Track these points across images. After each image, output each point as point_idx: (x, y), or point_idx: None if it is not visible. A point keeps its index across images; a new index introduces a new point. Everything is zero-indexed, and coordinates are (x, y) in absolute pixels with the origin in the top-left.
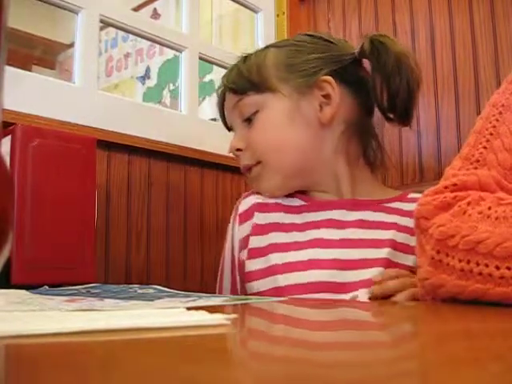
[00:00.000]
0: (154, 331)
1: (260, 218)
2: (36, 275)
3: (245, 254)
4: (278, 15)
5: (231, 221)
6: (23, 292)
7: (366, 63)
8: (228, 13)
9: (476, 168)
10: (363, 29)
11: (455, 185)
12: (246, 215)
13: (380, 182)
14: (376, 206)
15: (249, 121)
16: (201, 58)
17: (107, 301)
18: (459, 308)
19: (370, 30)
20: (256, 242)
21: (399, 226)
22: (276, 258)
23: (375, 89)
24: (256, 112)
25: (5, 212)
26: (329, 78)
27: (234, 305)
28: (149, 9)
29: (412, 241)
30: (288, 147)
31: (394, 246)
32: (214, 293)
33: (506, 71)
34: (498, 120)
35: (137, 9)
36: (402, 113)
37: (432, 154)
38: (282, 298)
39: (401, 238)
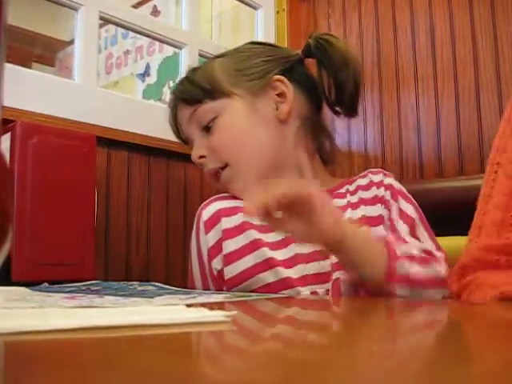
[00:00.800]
0: (153, 328)
1: (228, 222)
2: (36, 272)
3: (218, 262)
4: (278, 12)
5: (194, 231)
6: (23, 289)
7: (311, 65)
8: (228, 9)
9: (479, 235)
10: (363, 26)
11: (459, 273)
12: (212, 222)
13: (331, 175)
14: (332, 194)
15: (207, 129)
16: (201, 55)
17: (107, 298)
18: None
19: (370, 27)
20: (232, 245)
21: (352, 204)
22: (262, 254)
23: (322, 84)
24: (214, 118)
25: (4, 209)
26: (281, 76)
27: (234, 302)
28: (149, 6)
29: (368, 211)
30: (252, 146)
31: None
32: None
33: (506, 71)
34: (494, 179)
35: (136, 6)
36: (349, 105)
37: (432, 152)
38: (282, 296)
39: (356, 214)
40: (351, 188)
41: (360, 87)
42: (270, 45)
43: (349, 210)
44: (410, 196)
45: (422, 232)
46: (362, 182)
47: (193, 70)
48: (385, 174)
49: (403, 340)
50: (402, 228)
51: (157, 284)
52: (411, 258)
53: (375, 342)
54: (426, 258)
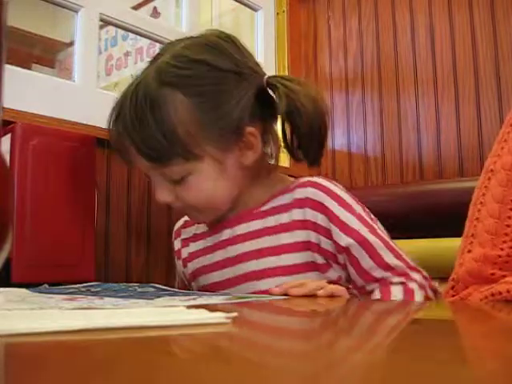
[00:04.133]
0: (153, 329)
1: (191, 247)
2: (36, 273)
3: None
4: (277, 14)
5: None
6: (23, 290)
7: None
8: (228, 11)
9: (471, 243)
10: (363, 27)
11: (453, 286)
12: (188, 241)
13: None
14: (250, 214)
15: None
16: None
17: (107, 299)
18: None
19: (369, 28)
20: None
21: (268, 229)
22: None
23: (283, 129)
24: (182, 176)
25: (4, 210)
26: (253, 130)
27: (234, 303)
28: (149, 7)
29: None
30: (219, 199)
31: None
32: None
33: (506, 72)
34: (486, 187)
35: (136, 7)
36: (311, 159)
37: (432, 153)
38: (282, 297)
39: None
40: (273, 204)
41: (324, 143)
42: (232, 71)
43: (266, 236)
44: (345, 197)
45: (382, 248)
46: (285, 198)
47: (152, 114)
48: (313, 185)
49: (402, 340)
50: (363, 259)
51: (157, 285)
52: None
53: (374, 343)
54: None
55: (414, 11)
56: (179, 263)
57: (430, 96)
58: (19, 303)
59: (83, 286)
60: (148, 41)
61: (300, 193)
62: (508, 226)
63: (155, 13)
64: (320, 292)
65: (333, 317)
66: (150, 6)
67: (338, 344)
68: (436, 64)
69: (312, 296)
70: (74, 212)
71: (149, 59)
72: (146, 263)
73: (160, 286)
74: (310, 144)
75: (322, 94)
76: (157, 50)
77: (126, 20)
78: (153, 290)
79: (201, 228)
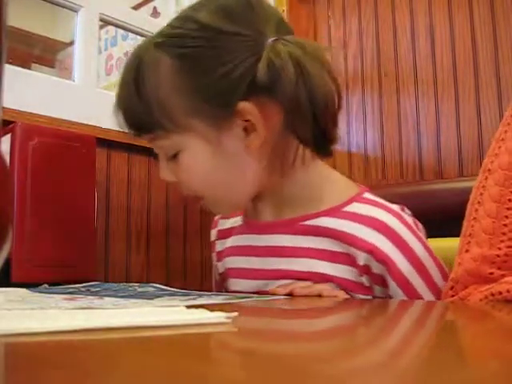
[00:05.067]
0: (153, 329)
1: (228, 242)
2: (36, 273)
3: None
4: None
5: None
6: (23, 290)
7: None
8: None
9: (469, 242)
10: (363, 27)
11: (452, 287)
12: (225, 233)
13: (326, 174)
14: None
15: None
16: None
17: (107, 299)
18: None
19: (369, 28)
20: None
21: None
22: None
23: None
24: (176, 152)
25: (4, 210)
26: (248, 106)
27: (235, 303)
28: (149, 7)
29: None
30: (223, 184)
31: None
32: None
33: (506, 72)
34: (484, 186)
35: (136, 7)
36: (318, 145)
37: (432, 153)
38: (282, 297)
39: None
40: (317, 224)
41: (326, 129)
42: (227, 32)
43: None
44: (416, 247)
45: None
46: (332, 223)
47: (135, 82)
48: (381, 228)
49: (402, 340)
50: None
51: (156, 285)
52: None
53: (375, 343)
54: None
55: (414, 11)
56: (213, 256)
57: (430, 96)
58: (19, 303)
59: (83, 286)
60: None
61: (359, 230)
62: (505, 225)
63: (155, 13)
64: (325, 292)
65: (334, 316)
66: (150, 5)
67: (337, 344)
68: (436, 64)
69: (315, 296)
70: (74, 212)
71: None
72: (146, 263)
73: (160, 286)
74: (303, 127)
75: (334, 64)
76: None
77: (126, 20)
78: (153, 289)
79: (240, 220)
